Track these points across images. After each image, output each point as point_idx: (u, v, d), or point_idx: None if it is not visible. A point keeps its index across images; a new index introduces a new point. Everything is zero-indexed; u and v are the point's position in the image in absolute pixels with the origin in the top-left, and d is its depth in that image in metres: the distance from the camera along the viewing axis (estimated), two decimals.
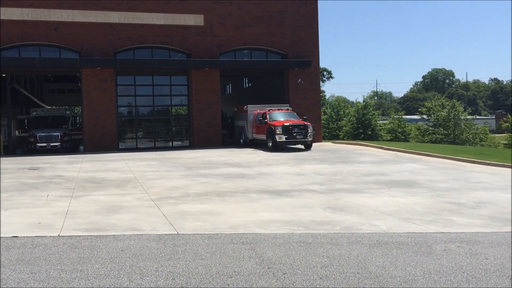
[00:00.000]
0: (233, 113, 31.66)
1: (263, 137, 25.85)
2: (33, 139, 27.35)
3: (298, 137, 24.60)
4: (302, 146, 25.70)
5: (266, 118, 25.73)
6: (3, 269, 6.26)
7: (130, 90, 29.34)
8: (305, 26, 31.03)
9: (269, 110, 26.42)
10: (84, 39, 27.13)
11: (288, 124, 24.52)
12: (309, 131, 24.81)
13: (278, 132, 24.32)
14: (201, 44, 28.98)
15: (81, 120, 32.68)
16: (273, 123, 24.97)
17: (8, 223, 9.04)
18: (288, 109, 27.37)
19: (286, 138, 24.39)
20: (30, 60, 26.54)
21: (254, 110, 27.85)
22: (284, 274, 6.06)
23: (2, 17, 25.87)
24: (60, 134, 27.65)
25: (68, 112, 32.35)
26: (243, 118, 28.89)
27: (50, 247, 7.33)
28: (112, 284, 5.68)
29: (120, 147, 28.30)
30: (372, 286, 5.65)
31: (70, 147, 28.80)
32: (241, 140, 29.05)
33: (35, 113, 30.86)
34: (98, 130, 27.36)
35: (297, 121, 25.26)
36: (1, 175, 16.46)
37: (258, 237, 7.93)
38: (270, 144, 24.95)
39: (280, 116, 25.89)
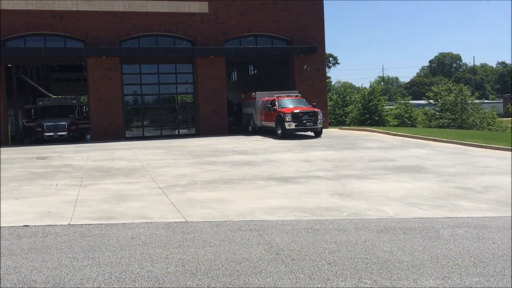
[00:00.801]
0: (241, 100, 31.39)
1: (272, 124, 25.55)
2: (40, 129, 27.52)
3: (308, 124, 24.30)
4: (312, 133, 25.48)
5: (275, 105, 25.35)
6: (15, 257, 6.36)
7: (136, 79, 29.38)
8: (310, 12, 30.82)
9: (278, 97, 26.03)
10: (89, 28, 27.12)
11: (297, 111, 24.20)
12: (319, 118, 24.50)
13: (287, 119, 24.02)
14: (206, 32, 28.89)
15: (87, 109, 32.79)
16: (282, 110, 24.63)
17: (18, 212, 9.15)
18: (297, 96, 26.97)
19: (295, 125, 24.11)
20: (36, 50, 26.62)
21: (262, 97, 27.46)
22: (292, 260, 6.12)
23: (6, 7, 25.88)
24: (67, 124, 27.79)
25: (74, 101, 32.51)
26: (251, 105, 28.56)
27: (61, 236, 7.42)
28: (123, 271, 5.76)
29: (126, 135, 28.42)
30: (380, 271, 5.70)
31: (77, 136, 28.96)
32: (250, 128, 28.75)
33: (41, 102, 31.02)
34: (105, 119, 27.47)
35: (306, 108, 24.93)
36: (10, 165, 16.60)
37: (266, 224, 7.99)
38: (280, 131, 24.68)
39: (289, 103, 25.51)
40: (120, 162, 16.85)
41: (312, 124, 24.43)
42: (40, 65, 41.74)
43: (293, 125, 24.11)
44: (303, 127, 24.48)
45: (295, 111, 24.23)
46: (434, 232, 7.38)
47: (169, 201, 10.03)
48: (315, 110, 24.77)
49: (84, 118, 31.29)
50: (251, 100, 28.46)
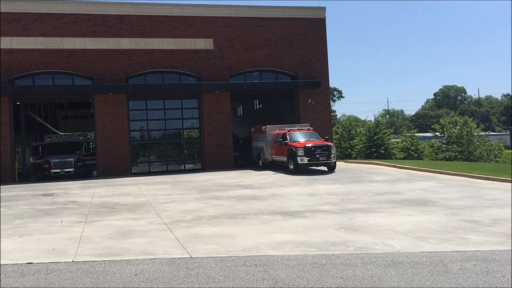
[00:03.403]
0: (250, 134, 31.08)
1: (284, 159, 24.93)
2: (47, 165, 27.66)
3: (321, 158, 23.57)
4: (325, 168, 24.82)
5: (286, 139, 24.86)
6: None
7: (142, 115, 29.65)
8: (314, 46, 31.29)
9: (289, 131, 25.56)
10: (96, 65, 27.61)
11: (310, 145, 23.59)
12: (333, 152, 23.85)
13: (300, 154, 23.38)
14: (211, 68, 29.32)
15: (94, 145, 33.01)
16: (294, 144, 24.07)
17: (22, 249, 9.10)
18: (309, 129, 26.51)
19: (308, 160, 23.40)
20: (44, 87, 26.99)
21: (273, 130, 27.12)
22: None
23: (16, 46, 26.49)
24: (74, 160, 27.93)
25: (81, 137, 32.75)
26: (261, 139, 28.18)
27: (64, 273, 7.36)
28: None
29: (133, 171, 28.48)
30: None
31: (83, 173, 29.07)
32: (260, 162, 28.26)
33: (49, 139, 31.29)
34: (111, 155, 27.61)
35: (319, 141, 24.33)
36: (16, 202, 16.63)
37: (271, 259, 7.89)
38: (292, 166, 23.97)
39: (301, 136, 25.02)
40: (125, 198, 16.83)
41: (325, 159, 23.68)
42: (48, 102, 42.33)
43: (305, 160, 23.42)
44: (316, 162, 23.75)
45: (307, 145, 23.63)
46: (443, 266, 7.26)
47: (173, 236, 9.95)
48: (328, 144, 24.13)
49: (91, 154, 31.46)
50: (261, 134, 28.16)
